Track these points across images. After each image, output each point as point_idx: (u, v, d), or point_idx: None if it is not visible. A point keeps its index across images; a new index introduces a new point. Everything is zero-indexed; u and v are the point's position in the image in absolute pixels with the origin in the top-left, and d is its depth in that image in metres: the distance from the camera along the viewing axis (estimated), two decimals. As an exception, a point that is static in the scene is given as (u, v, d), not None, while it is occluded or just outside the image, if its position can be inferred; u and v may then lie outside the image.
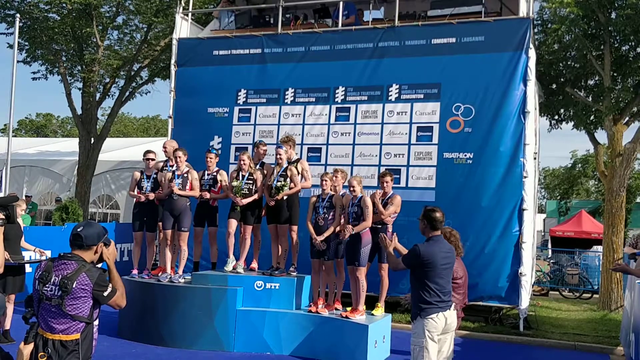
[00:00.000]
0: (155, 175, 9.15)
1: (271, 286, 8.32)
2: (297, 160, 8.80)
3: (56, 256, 3.67)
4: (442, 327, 5.08)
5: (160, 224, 9.05)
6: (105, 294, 3.58)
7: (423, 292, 5.05)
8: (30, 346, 3.49)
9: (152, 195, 8.99)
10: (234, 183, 8.69)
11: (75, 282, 3.48)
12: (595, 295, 14.99)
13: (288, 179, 8.46)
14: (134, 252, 9.43)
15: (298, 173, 8.63)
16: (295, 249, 8.70)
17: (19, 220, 8.14)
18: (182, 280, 8.65)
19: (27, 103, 79.09)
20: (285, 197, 8.45)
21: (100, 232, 3.71)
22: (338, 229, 8.04)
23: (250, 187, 8.61)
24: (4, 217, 4.36)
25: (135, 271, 9.11)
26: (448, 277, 5.22)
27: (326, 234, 8.02)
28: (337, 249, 8.12)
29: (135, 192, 9.15)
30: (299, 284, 8.42)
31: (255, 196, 8.61)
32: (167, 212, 8.78)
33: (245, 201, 8.55)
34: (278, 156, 8.63)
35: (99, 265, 3.76)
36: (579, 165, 34.80)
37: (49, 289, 3.52)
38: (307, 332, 8.02)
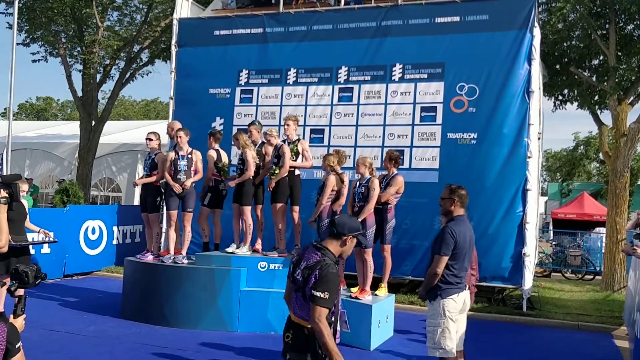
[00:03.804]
0: (153, 156, 9.10)
1: (274, 267, 8.31)
2: (297, 140, 8.70)
3: (310, 244, 3.74)
4: (460, 307, 5.07)
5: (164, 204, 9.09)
6: (317, 294, 3.43)
7: (444, 272, 4.99)
8: (21, 319, 3.43)
9: (139, 181, 9.07)
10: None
11: (312, 274, 3.48)
12: (597, 277, 15.00)
13: (281, 160, 8.44)
14: (146, 233, 9.50)
15: (299, 153, 8.55)
16: (296, 230, 8.68)
17: (24, 202, 8.08)
18: (186, 261, 8.63)
19: (26, 87, 78.88)
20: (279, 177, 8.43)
21: (353, 226, 3.68)
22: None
23: (241, 167, 8.57)
24: (7, 195, 4.30)
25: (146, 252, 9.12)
26: (470, 258, 5.17)
27: (314, 215, 8.12)
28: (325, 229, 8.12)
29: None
30: (303, 265, 8.40)
31: (244, 176, 8.54)
32: (172, 193, 8.70)
33: (232, 183, 8.58)
34: (268, 139, 8.67)
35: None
36: (581, 147, 34.75)
37: (297, 274, 3.58)
38: (311, 312, 8.01)
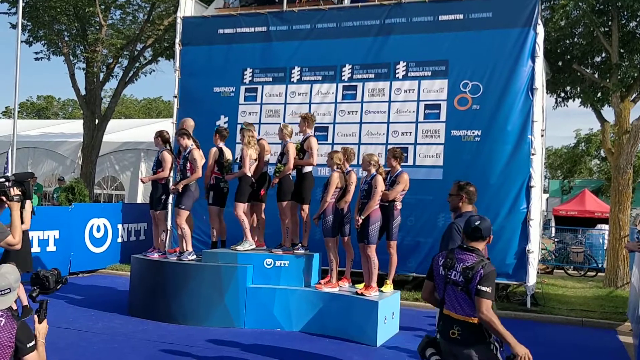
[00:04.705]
0: (159, 154, 9.16)
1: (280, 264, 8.35)
2: (307, 138, 8.72)
3: (456, 247, 4.14)
4: None
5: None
6: (484, 289, 3.78)
7: None
8: (44, 324, 3.47)
9: (145, 179, 9.21)
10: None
11: (477, 273, 3.81)
12: (599, 274, 15.05)
13: (284, 158, 8.49)
14: (153, 231, 9.56)
15: (305, 151, 8.59)
16: (304, 228, 8.71)
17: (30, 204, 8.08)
18: (191, 258, 8.67)
19: (27, 85, 78.87)
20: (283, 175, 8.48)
21: (490, 226, 4.11)
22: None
23: (241, 164, 8.66)
24: (20, 193, 4.35)
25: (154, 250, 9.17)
26: None
27: (319, 212, 8.14)
28: (332, 226, 8.14)
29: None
30: (308, 262, 8.44)
31: (237, 173, 8.62)
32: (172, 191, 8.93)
33: (229, 177, 8.80)
34: (279, 134, 8.72)
35: None
36: (582, 144, 34.78)
37: (452, 274, 3.93)
38: (317, 309, 8.06)
